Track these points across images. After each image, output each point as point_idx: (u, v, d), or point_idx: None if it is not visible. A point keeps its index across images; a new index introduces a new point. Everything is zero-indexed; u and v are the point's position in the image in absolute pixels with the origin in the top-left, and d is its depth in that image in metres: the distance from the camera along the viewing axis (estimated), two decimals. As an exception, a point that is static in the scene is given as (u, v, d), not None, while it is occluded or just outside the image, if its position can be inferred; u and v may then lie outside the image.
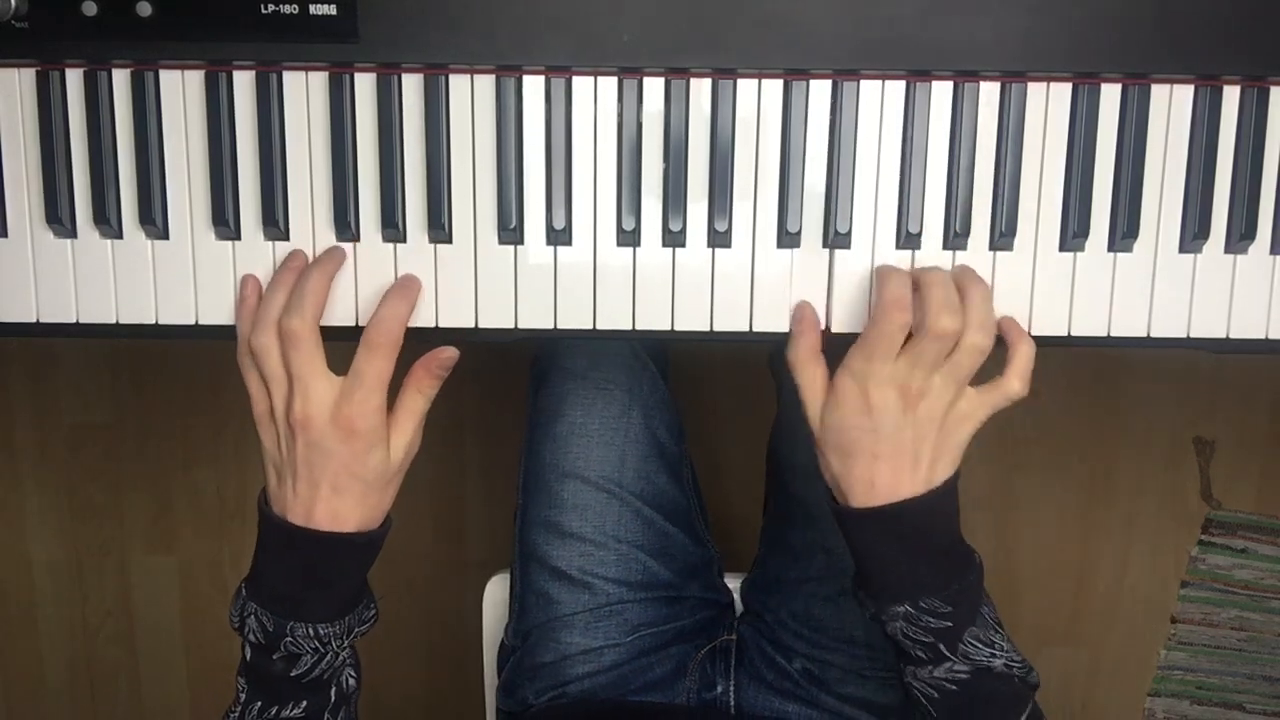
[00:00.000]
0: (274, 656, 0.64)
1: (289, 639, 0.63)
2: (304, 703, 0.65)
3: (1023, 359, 0.63)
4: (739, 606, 0.97)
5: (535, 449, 0.89)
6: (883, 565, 0.63)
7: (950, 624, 0.63)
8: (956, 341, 0.61)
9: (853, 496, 0.63)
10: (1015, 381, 0.62)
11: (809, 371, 0.64)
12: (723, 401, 1.50)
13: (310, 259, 0.66)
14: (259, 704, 0.65)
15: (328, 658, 0.65)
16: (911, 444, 0.61)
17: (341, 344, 0.64)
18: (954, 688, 0.64)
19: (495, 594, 0.99)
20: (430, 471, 1.53)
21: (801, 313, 0.65)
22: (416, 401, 0.64)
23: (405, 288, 0.65)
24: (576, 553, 0.86)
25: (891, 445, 0.61)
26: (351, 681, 0.68)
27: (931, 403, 0.61)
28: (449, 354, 0.64)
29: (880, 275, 0.63)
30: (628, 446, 0.87)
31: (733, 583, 0.97)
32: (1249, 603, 1.54)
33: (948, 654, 0.63)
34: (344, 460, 0.61)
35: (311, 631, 0.63)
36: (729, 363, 1.49)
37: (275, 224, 0.65)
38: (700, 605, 0.92)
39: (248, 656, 0.65)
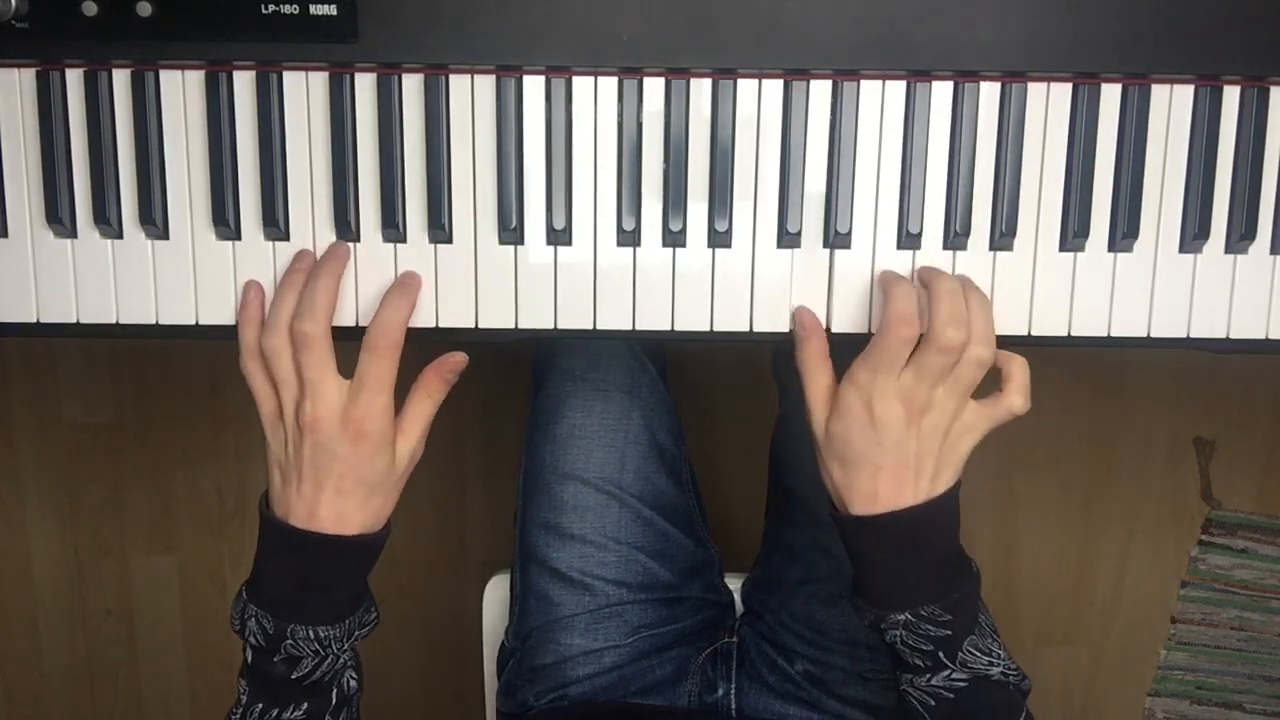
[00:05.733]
0: (275, 659, 0.64)
1: (289, 641, 0.63)
2: (305, 705, 0.65)
3: (1020, 375, 0.63)
4: (739, 607, 0.97)
5: (535, 451, 0.89)
6: (882, 573, 0.63)
7: (950, 632, 0.63)
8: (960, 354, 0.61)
9: (853, 506, 0.63)
10: (1017, 397, 0.62)
11: (816, 376, 0.64)
12: (724, 402, 1.50)
13: (316, 258, 0.66)
14: (260, 706, 0.65)
15: (328, 660, 0.65)
16: (915, 457, 0.61)
17: (345, 344, 0.64)
18: (951, 695, 0.64)
19: (495, 594, 0.99)
20: (430, 471, 1.53)
21: (802, 318, 0.65)
22: (425, 406, 0.65)
23: (405, 287, 0.65)
24: (576, 554, 0.86)
25: (895, 458, 0.61)
26: (353, 683, 0.68)
27: (936, 416, 0.61)
28: (459, 359, 0.64)
29: (885, 286, 0.63)
30: (627, 448, 0.87)
31: (733, 583, 0.97)
32: (1249, 603, 1.54)
33: (947, 662, 0.63)
34: (350, 463, 0.61)
35: (312, 634, 0.63)
36: (730, 363, 1.49)
37: (275, 224, 0.65)
38: (701, 606, 0.92)
39: (249, 659, 0.65)
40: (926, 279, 0.63)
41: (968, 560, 0.65)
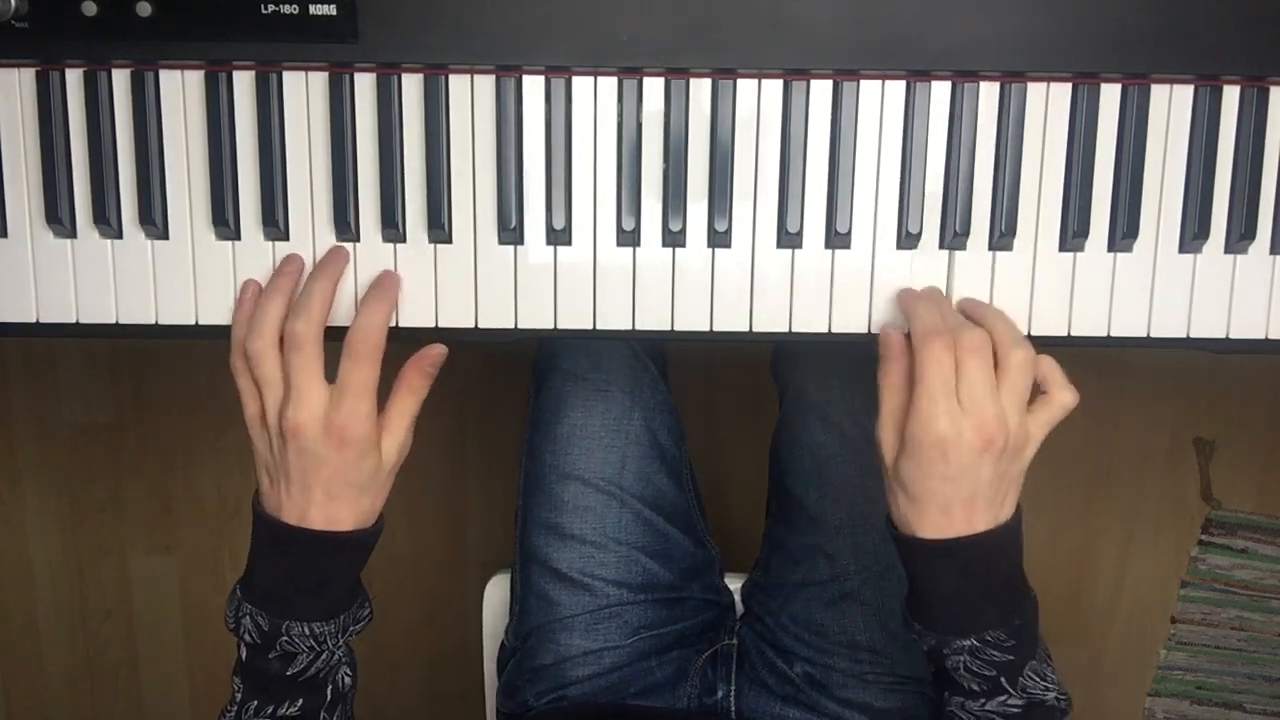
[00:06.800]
0: (270, 656, 0.64)
1: (284, 638, 0.63)
2: (300, 701, 0.65)
3: (1055, 370, 0.62)
4: (740, 608, 0.97)
5: (535, 451, 0.89)
6: (949, 597, 0.62)
7: (1013, 657, 0.62)
8: (996, 360, 0.60)
9: (921, 531, 0.61)
10: (1065, 392, 0.62)
11: (891, 401, 0.62)
12: (724, 402, 1.50)
13: (308, 262, 0.66)
14: (255, 703, 0.65)
15: (323, 656, 0.65)
16: (988, 485, 0.60)
17: (339, 345, 0.64)
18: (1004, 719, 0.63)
19: (495, 594, 0.99)
20: (430, 472, 1.53)
21: (890, 339, 0.63)
22: (408, 402, 0.64)
23: (382, 289, 0.64)
24: (577, 554, 0.86)
25: (968, 490, 0.60)
26: (347, 680, 0.68)
27: (1002, 439, 0.59)
28: (438, 351, 0.64)
29: (906, 306, 0.63)
30: (628, 448, 0.87)
31: (734, 584, 0.97)
32: (1249, 603, 1.54)
33: (1008, 688, 0.62)
34: (336, 467, 0.61)
35: (307, 630, 0.64)
36: (730, 363, 1.49)
37: (275, 224, 0.65)
38: (701, 607, 0.92)
39: (243, 656, 0.65)
40: (967, 311, 0.64)
41: (1029, 586, 0.64)
